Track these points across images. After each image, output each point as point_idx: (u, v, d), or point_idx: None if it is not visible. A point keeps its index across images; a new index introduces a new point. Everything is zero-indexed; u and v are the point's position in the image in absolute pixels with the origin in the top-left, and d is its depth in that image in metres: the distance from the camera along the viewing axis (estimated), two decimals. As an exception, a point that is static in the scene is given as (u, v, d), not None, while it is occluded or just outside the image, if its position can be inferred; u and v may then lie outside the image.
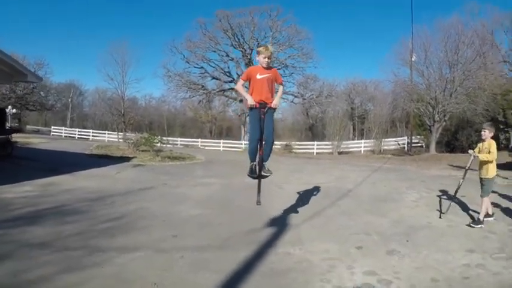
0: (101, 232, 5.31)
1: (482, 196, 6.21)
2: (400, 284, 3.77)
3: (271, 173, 5.39)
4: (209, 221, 6.31)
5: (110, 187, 9.06)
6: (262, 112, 5.14)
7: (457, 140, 29.35)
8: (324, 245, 5.04)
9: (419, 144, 32.04)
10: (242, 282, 3.77)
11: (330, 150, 31.76)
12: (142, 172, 12.37)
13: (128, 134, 29.33)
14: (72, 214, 6.24)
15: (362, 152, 32.58)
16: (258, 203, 5.39)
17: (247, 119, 38.17)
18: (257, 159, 5.28)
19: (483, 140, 6.41)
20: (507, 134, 21.35)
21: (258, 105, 5.13)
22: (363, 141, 35.69)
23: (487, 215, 6.16)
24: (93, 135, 39.49)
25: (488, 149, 6.20)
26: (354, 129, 47.07)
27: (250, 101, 5.13)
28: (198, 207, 7.40)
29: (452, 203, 6.94)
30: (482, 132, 6.46)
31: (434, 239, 5.36)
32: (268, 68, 5.26)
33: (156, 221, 6.16)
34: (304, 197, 8.14)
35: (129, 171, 12.38)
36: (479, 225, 5.90)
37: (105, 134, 39.62)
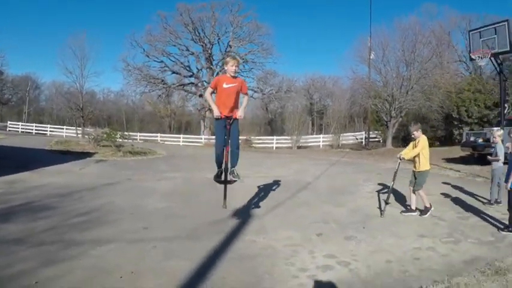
0: (73, 226, 5.44)
1: (416, 189, 6.59)
2: (357, 265, 4.20)
3: (239, 178, 5.69)
4: (176, 213, 6.57)
5: (76, 182, 9.09)
6: (227, 123, 5.48)
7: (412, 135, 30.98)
8: (286, 233, 5.43)
9: (376, 139, 33.34)
10: (213, 267, 4.09)
11: (289, 145, 32.34)
12: (105, 167, 12.37)
13: (87, 129, 28.68)
14: (43, 210, 6.31)
15: (321, 146, 33.40)
16: (224, 206, 5.82)
17: (213, 123, 38.29)
18: (223, 166, 5.61)
19: (416, 139, 6.75)
20: (461, 130, 22.68)
21: (223, 117, 5.46)
22: (321, 136, 36.55)
23: (416, 210, 6.59)
24: (50, 131, 38.19)
25: (418, 144, 6.62)
26: (313, 124, 47.94)
27: (216, 112, 5.45)
28: (164, 200, 7.64)
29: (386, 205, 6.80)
30: (413, 136, 6.81)
31: (388, 226, 5.87)
32: (235, 77, 5.55)
33: (124, 214, 6.35)
34: (265, 190, 8.57)
35: (93, 166, 12.33)
36: (414, 213, 6.49)
37: (63, 129, 38.44)
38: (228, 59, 5.64)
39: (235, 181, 5.73)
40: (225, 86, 5.48)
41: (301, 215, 6.60)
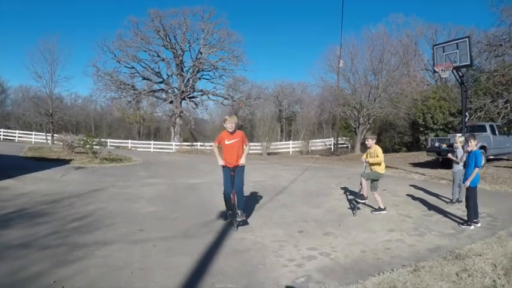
0: (73, 231, 5.82)
1: (373, 191, 7.43)
2: (337, 255, 4.89)
3: (243, 219, 6.24)
4: (166, 216, 7.06)
5: (61, 190, 9.35)
6: (231, 169, 6.23)
7: (380, 141, 32.21)
8: (271, 231, 6.07)
9: (345, 145, 34.51)
10: (212, 260, 4.65)
11: (260, 151, 32.93)
12: (86, 174, 12.57)
13: (57, 135, 28.28)
14: (39, 216, 6.62)
15: (291, 152, 34.28)
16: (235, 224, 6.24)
17: (177, 120, 38.46)
18: (231, 208, 6.23)
19: (369, 148, 7.48)
20: (426, 136, 23.81)
21: (227, 165, 6.25)
22: (291, 142, 37.49)
23: (380, 209, 7.37)
24: (19, 136, 37.33)
25: (375, 153, 7.29)
26: (282, 131, 48.91)
27: (220, 162, 6.31)
28: (152, 205, 8.08)
29: (358, 205, 7.53)
30: (366, 142, 7.56)
31: (361, 223, 6.59)
32: (234, 132, 6.31)
33: (118, 218, 6.77)
34: (246, 194, 9.12)
35: (73, 173, 12.50)
36: (383, 211, 7.28)
37: (31, 134, 37.60)
38: (226, 117, 6.41)
39: (239, 221, 6.22)
40: (227, 142, 6.31)
41: (282, 215, 7.25)
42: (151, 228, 6.17)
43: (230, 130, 6.29)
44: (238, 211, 6.20)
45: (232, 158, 6.28)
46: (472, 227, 6.03)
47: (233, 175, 6.26)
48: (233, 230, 6.11)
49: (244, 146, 6.48)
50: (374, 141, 7.48)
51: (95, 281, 3.97)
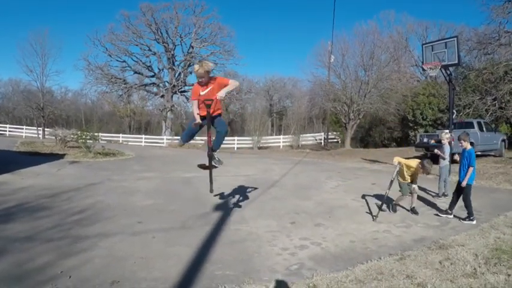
0: (74, 223, 6.05)
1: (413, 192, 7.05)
2: (327, 245, 5.22)
3: (221, 164, 5.57)
4: (163, 209, 7.32)
5: (58, 184, 9.53)
6: (209, 121, 5.20)
7: (370, 136, 32.96)
8: (264, 222, 6.40)
9: (335, 140, 34.86)
10: (210, 250, 4.94)
11: (250, 145, 33.04)
12: (81, 168, 12.74)
13: (48, 129, 28.22)
14: (40, 210, 6.81)
15: (281, 147, 34.44)
16: (211, 191, 5.76)
17: (168, 114, 38.51)
18: (207, 151, 5.46)
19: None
20: (416, 132, 24.12)
21: (202, 123, 5.20)
22: (281, 136, 37.57)
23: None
24: (10, 131, 37.03)
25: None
26: (272, 125, 49.07)
27: (197, 120, 5.21)
28: (149, 198, 8.33)
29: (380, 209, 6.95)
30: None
31: (350, 215, 6.93)
32: (209, 81, 5.18)
33: (117, 211, 7.01)
34: (239, 187, 9.45)
35: (69, 168, 12.67)
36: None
37: (22, 129, 37.32)
38: (195, 65, 5.21)
39: (216, 167, 5.61)
40: (202, 93, 5.21)
41: (274, 207, 7.55)
42: (149, 220, 6.42)
43: (200, 80, 5.15)
44: (215, 154, 5.48)
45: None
46: (474, 222, 6.22)
47: (211, 121, 5.22)
48: (210, 191, 5.71)
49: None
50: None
51: (101, 271, 4.20)
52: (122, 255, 4.72)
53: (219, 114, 5.38)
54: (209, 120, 5.19)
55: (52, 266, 4.29)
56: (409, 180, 7.02)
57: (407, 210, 7.13)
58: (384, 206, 6.97)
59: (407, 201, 7.19)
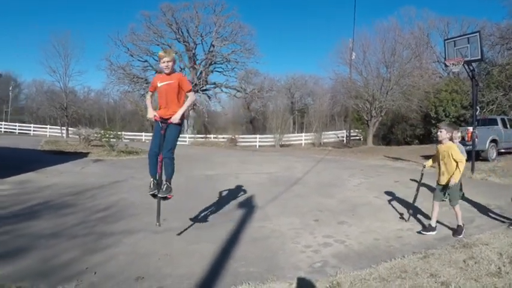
0: (98, 221, 6.13)
1: (453, 204, 5.57)
2: (351, 242, 5.15)
3: (168, 193, 5.07)
4: (185, 207, 7.26)
5: (83, 182, 9.68)
6: (162, 127, 4.94)
7: (392, 133, 32.49)
8: (288, 220, 6.34)
9: (357, 137, 34.50)
10: (234, 247, 4.93)
11: (272, 143, 33.04)
12: (105, 167, 12.92)
13: (72, 128, 28.89)
14: (64, 208, 6.91)
15: (303, 144, 34.30)
16: (158, 224, 5.17)
17: (190, 112, 38.91)
18: (157, 176, 5.08)
19: (441, 143, 5.57)
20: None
21: (157, 119, 4.96)
22: (303, 134, 37.52)
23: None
24: (34, 130, 38.03)
25: (449, 153, 5.37)
26: (294, 123, 48.93)
27: (149, 113, 5.05)
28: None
29: (410, 211, 6.47)
30: (439, 133, 5.53)
31: (373, 213, 6.83)
32: (171, 74, 4.96)
33: (140, 209, 7.03)
34: (261, 185, 9.44)
35: (92, 166, 12.88)
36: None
37: (46, 128, 38.33)
38: (160, 53, 5.00)
39: (162, 197, 5.13)
40: (159, 84, 4.96)
41: (297, 205, 7.50)
42: (172, 218, 6.42)
43: (166, 71, 4.91)
44: (165, 182, 5.06)
45: (164, 105, 4.98)
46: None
47: (163, 133, 4.95)
48: (156, 225, 5.14)
49: (188, 94, 5.02)
50: (449, 134, 5.47)
51: (125, 267, 4.22)
52: (146, 252, 4.74)
53: (179, 124, 5.06)
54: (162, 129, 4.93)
55: (77, 262, 4.33)
56: (443, 181, 5.52)
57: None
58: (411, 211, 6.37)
59: (436, 212, 5.59)
